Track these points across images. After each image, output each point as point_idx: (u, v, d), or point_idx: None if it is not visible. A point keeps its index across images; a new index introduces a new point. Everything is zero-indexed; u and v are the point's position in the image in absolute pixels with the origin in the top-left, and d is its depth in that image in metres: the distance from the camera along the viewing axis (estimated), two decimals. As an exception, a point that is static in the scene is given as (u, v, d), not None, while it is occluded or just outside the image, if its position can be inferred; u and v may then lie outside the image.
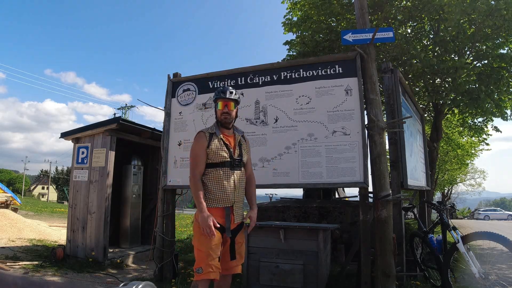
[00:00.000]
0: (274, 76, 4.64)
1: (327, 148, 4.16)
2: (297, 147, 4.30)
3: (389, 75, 4.61)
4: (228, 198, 2.61)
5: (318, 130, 4.21)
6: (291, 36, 10.33)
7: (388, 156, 5.06)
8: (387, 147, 4.44)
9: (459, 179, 33.56)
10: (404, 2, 8.52)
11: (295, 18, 9.93)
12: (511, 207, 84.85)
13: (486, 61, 8.12)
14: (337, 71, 4.28)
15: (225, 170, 2.64)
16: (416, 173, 5.59)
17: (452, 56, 8.03)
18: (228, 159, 2.65)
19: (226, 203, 2.61)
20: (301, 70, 4.52)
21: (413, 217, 12.28)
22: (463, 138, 15.30)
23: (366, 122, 3.99)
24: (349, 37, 4.28)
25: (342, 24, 9.10)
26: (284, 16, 10.00)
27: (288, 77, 4.59)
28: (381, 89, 5.41)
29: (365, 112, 4.04)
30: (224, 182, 2.61)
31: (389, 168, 4.60)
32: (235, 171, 2.67)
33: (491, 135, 11.42)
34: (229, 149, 2.69)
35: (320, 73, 4.39)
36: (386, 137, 4.37)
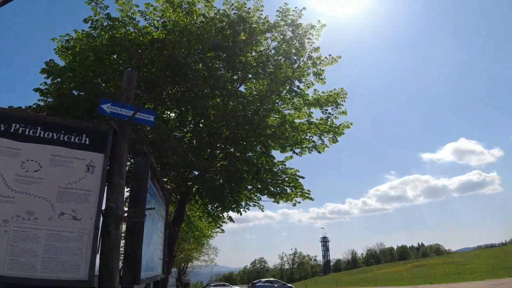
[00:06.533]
0: (2, 125, 3.48)
1: (49, 233, 3.23)
2: (9, 226, 3.15)
3: (141, 159, 4.32)
4: None
5: (42, 209, 3.26)
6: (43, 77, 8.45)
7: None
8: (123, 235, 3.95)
9: (195, 254, 36.20)
10: (175, 89, 8.90)
11: (62, 63, 8.58)
12: (237, 281, 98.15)
13: (231, 162, 9.35)
14: (82, 141, 3.60)
15: None
16: (152, 263, 5.26)
17: (207, 150, 8.80)
18: None
19: None
20: (39, 128, 3.59)
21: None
22: (202, 221, 16.74)
23: (103, 208, 3.41)
24: (108, 107, 3.83)
25: (111, 89, 8.51)
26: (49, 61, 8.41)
27: (20, 131, 3.53)
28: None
29: (105, 196, 3.48)
30: None
31: (120, 262, 4.06)
32: None
33: (226, 222, 12.99)
34: None
35: (61, 138, 3.58)
36: (124, 226, 3.89)
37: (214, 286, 44.39)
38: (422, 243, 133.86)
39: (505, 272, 28.26)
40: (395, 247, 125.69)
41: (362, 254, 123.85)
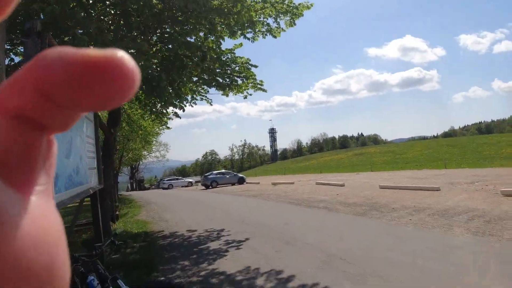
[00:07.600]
0: None
1: None
2: None
3: (34, 40, 2.97)
4: None
5: None
6: None
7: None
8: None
9: (145, 152, 35.61)
10: None
11: None
12: (190, 173, 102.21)
13: (171, 46, 7.73)
14: None
15: None
16: (78, 176, 4.27)
17: (134, 34, 7.02)
18: None
19: None
20: None
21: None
22: (145, 119, 15.39)
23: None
24: None
25: None
26: None
27: None
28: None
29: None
30: None
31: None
32: None
33: (171, 118, 11.90)
34: None
35: None
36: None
37: (167, 180, 45.36)
38: (361, 133, 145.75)
39: (441, 164, 29.79)
40: (337, 137, 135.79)
41: (307, 143, 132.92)
